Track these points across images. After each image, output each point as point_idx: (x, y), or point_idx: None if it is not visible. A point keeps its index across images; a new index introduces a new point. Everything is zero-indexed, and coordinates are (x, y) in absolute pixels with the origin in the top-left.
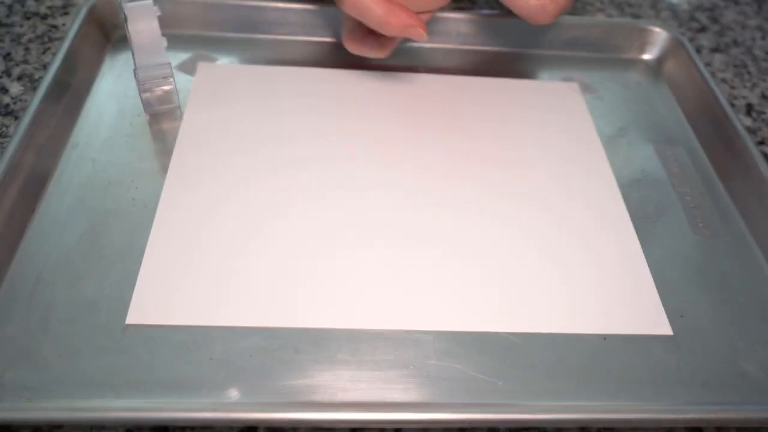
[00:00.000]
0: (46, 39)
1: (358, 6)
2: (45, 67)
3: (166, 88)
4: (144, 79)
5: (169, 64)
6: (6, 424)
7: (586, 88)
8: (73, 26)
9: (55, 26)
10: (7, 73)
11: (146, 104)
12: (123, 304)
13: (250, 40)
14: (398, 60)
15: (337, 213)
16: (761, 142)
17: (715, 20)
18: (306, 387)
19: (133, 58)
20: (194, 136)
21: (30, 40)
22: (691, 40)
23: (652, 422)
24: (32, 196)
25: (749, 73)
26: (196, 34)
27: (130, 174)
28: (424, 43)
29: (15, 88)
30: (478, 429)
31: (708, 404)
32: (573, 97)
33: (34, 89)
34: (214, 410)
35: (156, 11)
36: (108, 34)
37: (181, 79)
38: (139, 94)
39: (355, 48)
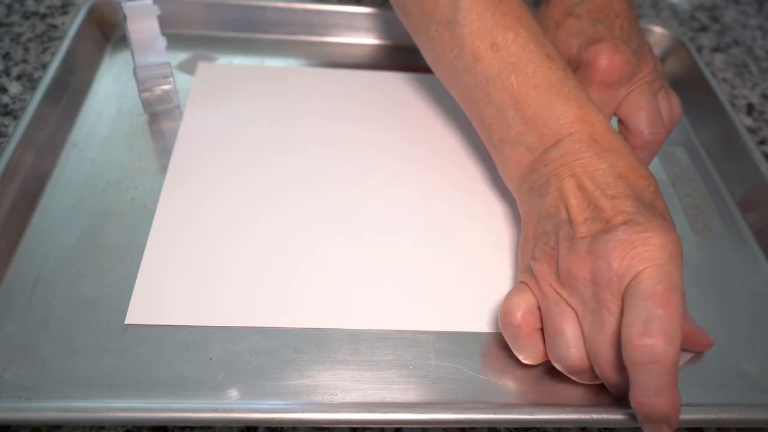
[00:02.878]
0: (45, 39)
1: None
2: (44, 66)
3: (166, 87)
4: (143, 78)
5: (169, 63)
6: (5, 425)
7: None
8: (72, 26)
9: (54, 26)
10: (6, 72)
11: (146, 104)
12: (122, 304)
13: (250, 40)
14: (398, 60)
15: (339, 214)
16: (762, 142)
17: (715, 20)
18: (306, 387)
19: (133, 58)
20: (194, 136)
21: (29, 40)
22: (692, 39)
23: None
24: (31, 196)
25: (750, 72)
26: (196, 34)
27: (130, 174)
28: None
29: (14, 87)
30: (478, 429)
31: (708, 405)
32: None
33: (33, 89)
34: (214, 410)
35: (156, 10)
36: (107, 33)
37: (181, 79)
38: (139, 94)
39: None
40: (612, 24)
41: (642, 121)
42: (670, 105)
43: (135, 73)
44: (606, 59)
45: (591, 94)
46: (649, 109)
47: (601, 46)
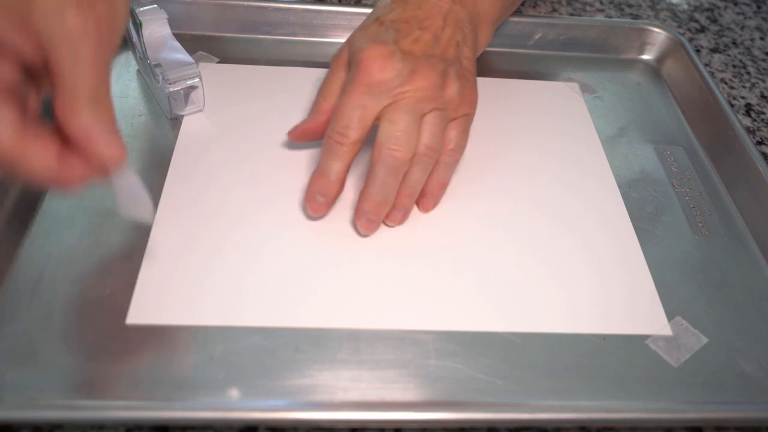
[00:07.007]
0: None
1: None
2: None
3: (191, 83)
4: (174, 79)
5: (196, 63)
6: (7, 424)
7: (585, 88)
8: None
9: None
10: None
11: (173, 106)
12: (124, 303)
13: (250, 40)
14: None
15: (337, 213)
16: (760, 142)
17: (714, 20)
18: (306, 387)
19: (149, 65)
20: (194, 136)
21: None
22: (691, 40)
23: (652, 422)
24: (33, 196)
25: (748, 73)
26: (196, 35)
27: None
28: None
29: None
30: (478, 429)
31: (707, 404)
32: (573, 97)
33: None
34: (214, 410)
35: (164, 14)
36: None
37: None
38: (164, 99)
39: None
40: (408, 33)
41: (382, 135)
42: (443, 135)
43: (155, 76)
44: (368, 59)
45: (354, 95)
46: (400, 126)
47: (372, 48)
